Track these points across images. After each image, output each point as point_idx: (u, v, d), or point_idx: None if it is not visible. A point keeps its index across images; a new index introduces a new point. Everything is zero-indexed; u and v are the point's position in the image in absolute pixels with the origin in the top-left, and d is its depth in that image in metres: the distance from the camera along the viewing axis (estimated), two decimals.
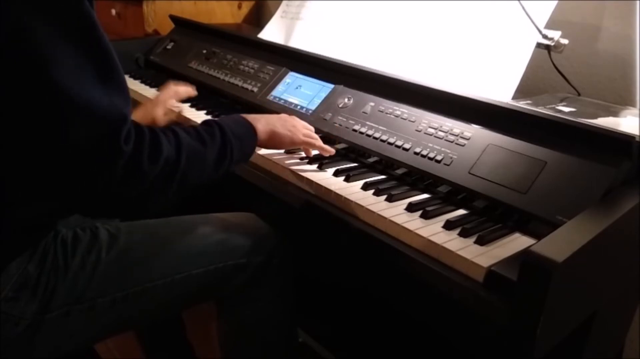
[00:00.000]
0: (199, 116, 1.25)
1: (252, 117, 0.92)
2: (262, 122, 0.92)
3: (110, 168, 0.64)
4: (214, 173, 0.79)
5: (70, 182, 0.66)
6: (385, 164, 0.99)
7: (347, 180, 0.93)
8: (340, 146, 1.07)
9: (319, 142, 1.01)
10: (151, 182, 0.68)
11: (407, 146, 0.96)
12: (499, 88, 1.00)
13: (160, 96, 1.20)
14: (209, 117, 1.20)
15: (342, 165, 1.00)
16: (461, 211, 0.85)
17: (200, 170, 0.76)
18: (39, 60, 0.60)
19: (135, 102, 1.31)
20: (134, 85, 1.49)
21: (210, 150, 0.78)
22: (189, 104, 1.29)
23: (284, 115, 1.00)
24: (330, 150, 1.01)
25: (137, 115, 1.16)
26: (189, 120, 1.22)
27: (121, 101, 0.66)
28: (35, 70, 0.60)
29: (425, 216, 0.81)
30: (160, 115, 1.17)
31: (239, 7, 1.96)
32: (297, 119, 1.02)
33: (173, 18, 1.70)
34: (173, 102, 1.20)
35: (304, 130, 1.00)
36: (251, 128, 0.89)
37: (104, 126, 0.63)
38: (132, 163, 0.66)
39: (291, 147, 0.99)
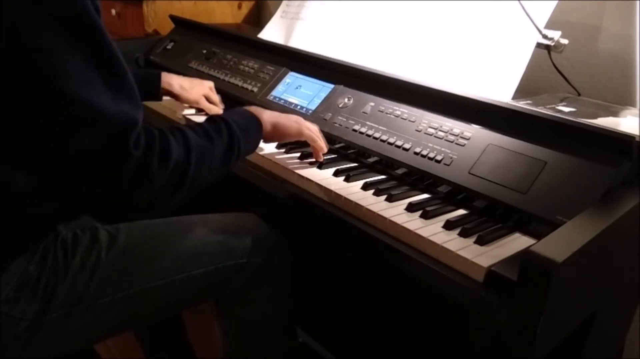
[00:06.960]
0: None
1: (255, 109, 0.92)
2: (266, 113, 0.93)
3: (120, 173, 0.65)
4: (223, 169, 0.81)
5: (81, 187, 0.67)
6: (385, 164, 0.99)
7: (347, 180, 0.93)
8: (340, 146, 1.07)
9: (321, 141, 1.00)
10: (161, 186, 0.69)
11: (407, 146, 0.96)
12: (499, 88, 1.00)
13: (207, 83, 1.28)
14: None
15: (342, 165, 1.00)
16: (461, 211, 0.85)
17: (210, 168, 0.78)
18: (47, 68, 0.61)
19: None
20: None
21: (219, 147, 0.79)
22: None
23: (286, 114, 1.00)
24: (323, 150, 1.00)
25: (194, 90, 1.24)
26: None
27: (131, 106, 0.67)
28: (43, 78, 0.61)
29: (425, 216, 0.81)
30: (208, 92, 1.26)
31: (239, 7, 1.96)
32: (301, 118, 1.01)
33: (173, 18, 1.70)
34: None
35: (310, 125, 1.00)
36: (256, 120, 0.90)
37: (113, 131, 0.64)
38: (142, 168, 0.67)
39: (297, 137, 0.97)
